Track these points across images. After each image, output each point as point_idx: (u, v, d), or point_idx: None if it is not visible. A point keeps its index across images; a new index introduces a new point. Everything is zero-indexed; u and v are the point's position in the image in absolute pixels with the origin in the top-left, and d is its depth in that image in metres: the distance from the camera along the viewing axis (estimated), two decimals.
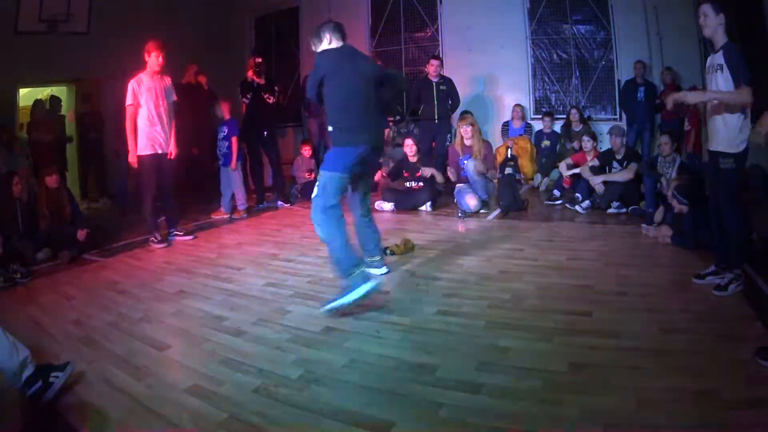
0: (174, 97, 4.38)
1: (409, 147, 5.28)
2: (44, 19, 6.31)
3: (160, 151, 4.22)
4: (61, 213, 4.22)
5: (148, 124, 4.15)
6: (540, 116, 6.82)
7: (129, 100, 4.08)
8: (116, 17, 6.87)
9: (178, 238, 4.44)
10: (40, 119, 6.24)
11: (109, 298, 3.04)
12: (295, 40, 8.59)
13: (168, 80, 4.32)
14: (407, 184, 5.34)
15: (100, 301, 3.00)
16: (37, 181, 4.79)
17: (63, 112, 6.79)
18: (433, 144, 6.11)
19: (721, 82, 2.59)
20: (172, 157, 4.36)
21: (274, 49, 8.88)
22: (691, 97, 2.87)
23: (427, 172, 5.20)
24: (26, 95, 6.67)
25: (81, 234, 4.09)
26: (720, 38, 2.63)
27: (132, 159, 4.15)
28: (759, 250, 3.10)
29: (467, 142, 5.00)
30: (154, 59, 4.12)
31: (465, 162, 4.96)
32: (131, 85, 4.09)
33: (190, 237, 4.49)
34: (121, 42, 6.50)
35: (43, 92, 7.11)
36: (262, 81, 5.55)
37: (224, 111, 5.42)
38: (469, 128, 4.95)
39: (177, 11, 7.84)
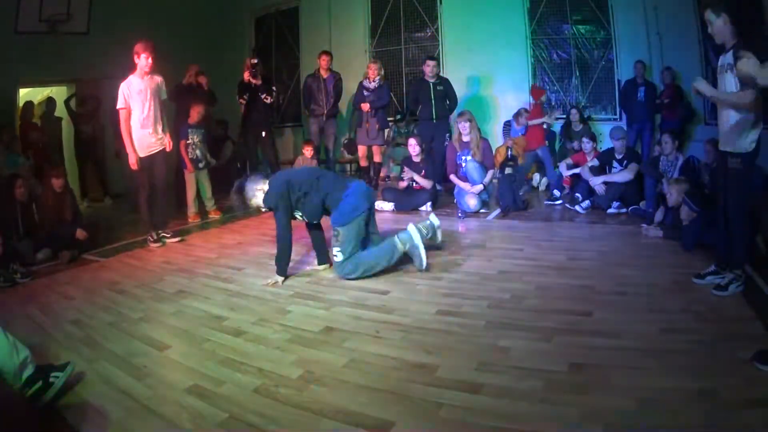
0: (165, 96, 4.35)
1: (413, 147, 5.27)
2: (44, 19, 6.31)
3: (153, 152, 4.20)
4: (62, 214, 4.21)
5: (138, 127, 4.13)
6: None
7: (120, 104, 4.07)
8: (116, 18, 6.87)
9: (166, 240, 4.37)
10: (30, 121, 6.26)
11: (109, 298, 3.04)
12: (295, 40, 8.59)
13: (158, 79, 4.27)
14: (407, 184, 5.33)
15: (100, 301, 3.00)
16: (38, 182, 4.79)
17: (58, 113, 6.78)
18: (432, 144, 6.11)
19: (731, 82, 2.58)
20: (169, 149, 4.33)
21: (274, 49, 8.88)
22: (703, 86, 2.71)
23: (426, 183, 5.20)
24: (26, 95, 6.67)
25: (81, 234, 4.09)
26: (730, 38, 2.61)
27: (132, 161, 4.10)
28: (763, 255, 3.09)
29: (465, 138, 4.99)
30: (143, 60, 4.09)
31: (464, 158, 4.96)
32: (121, 88, 4.08)
33: (177, 239, 4.41)
34: (121, 42, 6.51)
35: (43, 92, 7.11)
36: (258, 81, 5.54)
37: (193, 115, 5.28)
38: (467, 124, 4.95)
39: (177, 11, 7.84)
